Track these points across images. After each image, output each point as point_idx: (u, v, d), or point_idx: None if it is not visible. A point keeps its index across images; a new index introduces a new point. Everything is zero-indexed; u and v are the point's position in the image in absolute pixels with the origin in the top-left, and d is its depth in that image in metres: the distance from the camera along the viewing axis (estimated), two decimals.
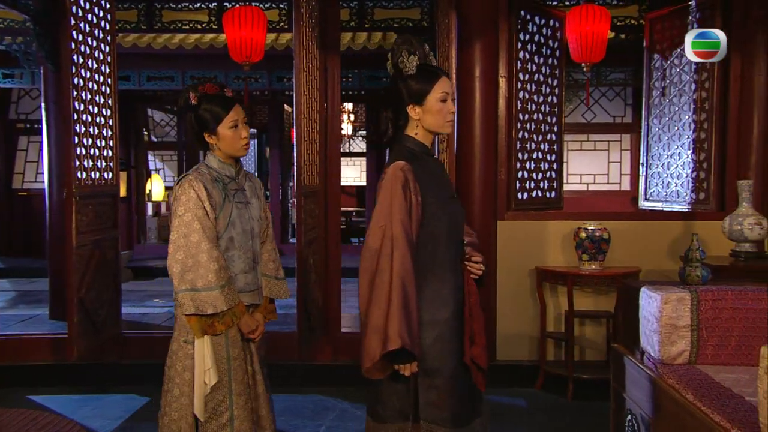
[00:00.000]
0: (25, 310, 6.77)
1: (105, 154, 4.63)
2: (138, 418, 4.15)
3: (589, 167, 10.45)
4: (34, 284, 8.30)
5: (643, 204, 5.41)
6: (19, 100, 10.56)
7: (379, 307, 2.07)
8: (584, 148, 10.47)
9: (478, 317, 2.30)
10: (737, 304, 2.89)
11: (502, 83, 4.77)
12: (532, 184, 5.00)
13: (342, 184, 5.27)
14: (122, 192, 8.89)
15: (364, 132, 12.68)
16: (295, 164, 4.49)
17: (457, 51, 4.61)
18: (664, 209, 5.14)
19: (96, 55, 4.51)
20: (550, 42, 5.09)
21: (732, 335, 2.89)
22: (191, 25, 7.19)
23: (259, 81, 8.56)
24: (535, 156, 5.01)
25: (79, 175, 4.28)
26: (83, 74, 4.34)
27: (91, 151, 4.46)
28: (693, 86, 4.95)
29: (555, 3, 6.31)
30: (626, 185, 10.34)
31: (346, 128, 12.41)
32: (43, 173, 7.23)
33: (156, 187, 11.70)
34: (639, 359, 3.11)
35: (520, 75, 4.85)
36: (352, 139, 14.32)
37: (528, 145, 4.94)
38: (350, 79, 8.70)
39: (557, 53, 5.14)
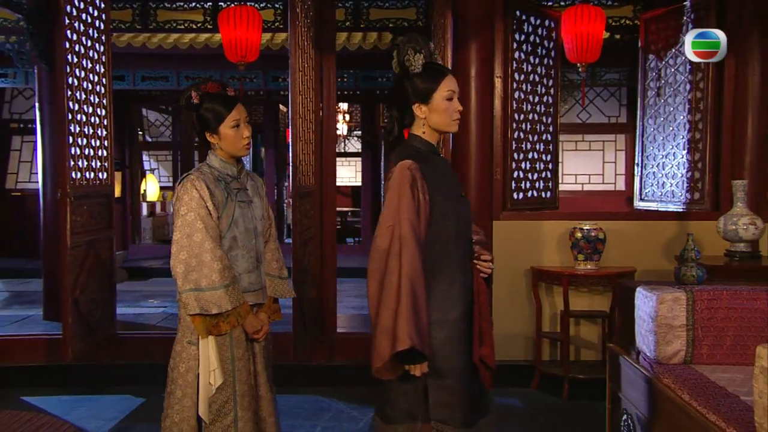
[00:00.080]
0: (19, 310, 6.73)
1: (100, 154, 4.62)
2: (133, 418, 4.13)
3: (584, 167, 10.47)
4: (27, 285, 8.26)
5: (639, 204, 5.42)
6: (12, 100, 10.51)
7: (388, 307, 2.05)
8: (579, 148, 10.49)
9: (487, 316, 2.28)
10: (732, 304, 2.90)
11: (498, 83, 4.77)
12: (528, 184, 5.01)
13: (337, 184, 5.26)
14: (117, 192, 8.85)
15: (360, 132, 12.67)
16: (290, 164, 4.48)
17: (452, 51, 4.61)
18: (659, 209, 5.15)
19: (90, 54, 4.50)
20: (546, 42, 5.09)
21: (727, 335, 2.90)
22: (186, 24, 7.18)
23: (254, 81, 8.55)
24: (530, 156, 5.02)
25: (73, 175, 4.27)
26: (78, 74, 4.33)
27: (86, 151, 4.45)
28: (688, 86, 4.96)
29: (550, 3, 6.32)
30: (621, 185, 10.36)
31: (341, 128, 12.41)
32: (36, 173, 7.20)
33: (151, 188, 11.67)
34: (635, 359, 3.11)
35: (516, 75, 4.86)
36: (348, 139, 14.31)
37: (524, 145, 4.95)
38: (345, 79, 8.69)
39: (552, 53, 5.15)
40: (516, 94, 4.85)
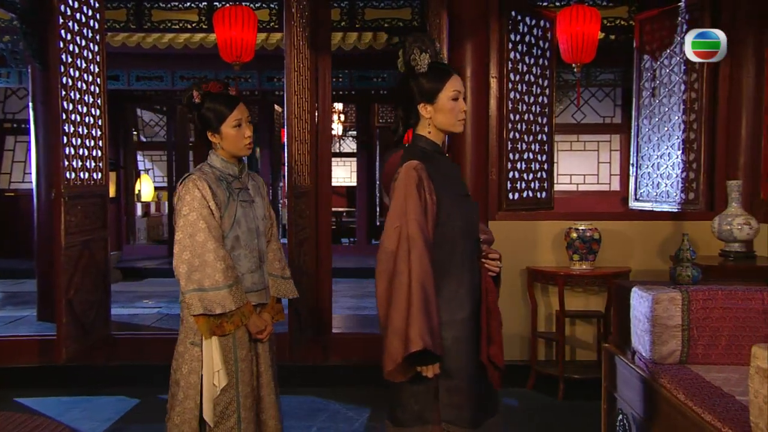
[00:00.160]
0: (13, 311, 6.70)
1: (94, 154, 4.60)
2: (128, 419, 4.12)
3: (579, 167, 10.49)
4: (21, 285, 8.23)
5: (633, 204, 5.43)
6: (5, 100, 10.48)
7: (399, 309, 2.03)
8: (574, 148, 10.52)
9: (496, 316, 2.27)
10: (727, 304, 2.91)
11: (493, 83, 4.78)
12: (523, 185, 5.01)
13: (332, 184, 5.26)
14: (111, 192, 8.82)
15: (355, 132, 12.66)
16: (285, 164, 4.47)
17: (448, 51, 4.61)
18: (654, 209, 5.16)
19: (85, 54, 4.48)
20: (541, 42, 5.10)
21: (722, 335, 2.91)
22: (181, 24, 7.16)
23: (249, 81, 8.54)
24: (526, 156, 5.02)
25: (67, 175, 4.25)
26: (72, 74, 4.31)
27: (80, 151, 4.43)
28: (683, 87, 4.98)
29: (546, 3, 6.33)
30: (616, 185, 10.39)
31: (336, 128, 12.40)
32: (30, 173, 7.16)
33: (145, 188, 11.64)
34: (630, 359, 3.12)
35: (511, 75, 4.86)
36: (343, 140, 14.30)
37: (519, 146, 4.95)
38: (340, 79, 8.69)
39: (548, 54, 5.15)
40: (511, 95, 4.85)
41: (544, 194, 5.20)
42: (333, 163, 5.45)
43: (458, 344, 2.18)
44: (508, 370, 4.69)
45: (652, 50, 5.25)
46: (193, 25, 7.17)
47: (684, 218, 4.81)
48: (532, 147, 5.07)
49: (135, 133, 11.84)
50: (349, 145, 14.31)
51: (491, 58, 4.74)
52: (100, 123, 4.66)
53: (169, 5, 7.09)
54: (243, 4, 5.48)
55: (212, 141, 2.57)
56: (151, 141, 12.70)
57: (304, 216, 4.70)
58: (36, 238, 6.13)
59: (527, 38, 4.98)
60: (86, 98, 4.49)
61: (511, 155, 4.88)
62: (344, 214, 12.53)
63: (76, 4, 4.37)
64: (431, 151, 2.25)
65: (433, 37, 2.30)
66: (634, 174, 5.44)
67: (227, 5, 5.31)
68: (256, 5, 6.94)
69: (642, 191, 5.36)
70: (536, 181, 5.13)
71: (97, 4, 4.61)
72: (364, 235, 10.99)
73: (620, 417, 3.17)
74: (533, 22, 5.03)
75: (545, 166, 5.20)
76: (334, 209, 8.26)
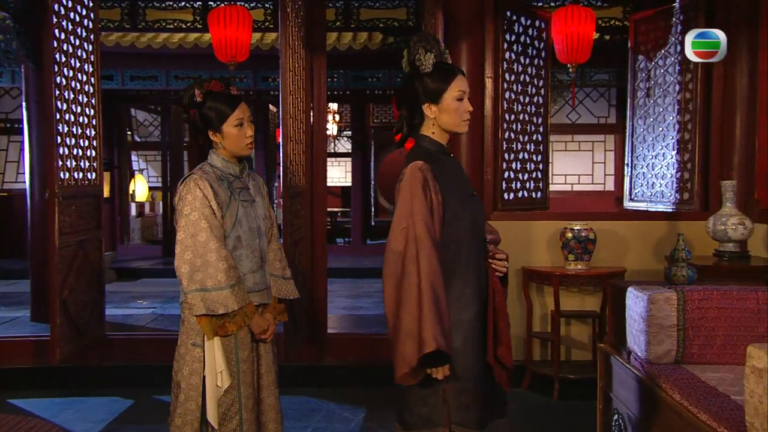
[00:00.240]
0: (6, 312, 6.67)
1: (88, 154, 4.59)
2: (122, 420, 4.10)
3: (574, 168, 10.52)
4: (14, 286, 8.19)
5: (628, 204, 5.45)
6: None
7: (410, 311, 2.01)
8: (569, 148, 10.54)
9: (503, 316, 2.26)
10: (722, 304, 2.91)
11: (489, 84, 4.78)
12: (518, 185, 5.02)
13: (327, 184, 5.25)
14: (105, 192, 8.80)
15: (350, 132, 12.66)
16: (281, 165, 4.47)
17: None
18: (649, 209, 5.18)
19: (79, 54, 4.46)
20: (536, 43, 5.10)
21: (717, 335, 2.91)
22: (176, 24, 7.15)
23: (244, 81, 8.52)
24: (521, 156, 5.02)
25: (62, 175, 4.23)
26: (66, 73, 4.29)
27: (74, 151, 4.41)
28: (677, 87, 4.99)
29: (541, 4, 6.34)
30: (610, 185, 10.42)
31: (331, 128, 12.38)
32: (24, 173, 7.13)
33: (140, 188, 11.61)
34: (626, 359, 3.12)
35: (507, 75, 4.86)
36: (337, 140, 14.29)
37: (514, 146, 4.96)
38: (335, 80, 8.69)
39: (543, 54, 5.16)
40: (506, 95, 4.86)
41: (539, 194, 5.20)
42: (328, 163, 5.45)
43: (465, 345, 2.16)
44: None
45: (646, 50, 5.26)
46: (188, 24, 7.16)
47: (679, 218, 4.82)
48: (528, 147, 5.08)
49: (129, 133, 11.81)
50: (344, 145, 14.30)
51: (486, 58, 4.74)
52: (94, 123, 4.64)
53: (163, 5, 7.08)
54: (238, 3, 5.47)
55: (213, 140, 2.55)
56: (146, 141, 12.67)
57: (300, 216, 4.69)
58: (29, 239, 6.11)
59: (522, 38, 4.99)
60: (80, 98, 4.47)
61: (506, 155, 4.88)
62: (339, 214, 12.52)
63: (70, 4, 4.35)
64: (436, 151, 2.23)
65: (437, 37, 2.28)
66: (629, 174, 5.45)
67: (222, 5, 5.30)
68: (251, 5, 6.94)
69: (637, 191, 5.37)
70: (531, 181, 5.13)
71: (91, 4, 4.59)
72: (359, 235, 10.98)
73: (616, 417, 3.17)
74: (528, 22, 5.03)
75: (540, 166, 5.20)
76: (329, 209, 8.25)
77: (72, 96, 4.37)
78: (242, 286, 2.48)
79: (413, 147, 2.27)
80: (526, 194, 5.09)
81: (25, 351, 4.79)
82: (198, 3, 7.07)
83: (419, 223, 2.07)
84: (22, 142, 6.32)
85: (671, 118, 5.04)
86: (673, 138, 5.03)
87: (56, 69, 4.16)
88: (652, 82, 5.22)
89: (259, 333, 2.56)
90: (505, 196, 4.90)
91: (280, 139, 4.45)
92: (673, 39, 5.02)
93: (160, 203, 11.48)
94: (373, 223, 12.41)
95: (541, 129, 5.19)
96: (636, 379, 2.96)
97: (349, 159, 12.51)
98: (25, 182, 6.23)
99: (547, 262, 4.76)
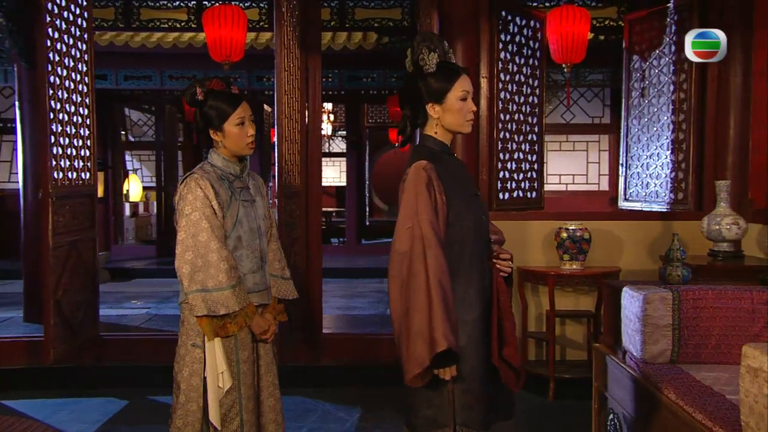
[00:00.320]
0: None
1: (82, 153, 4.57)
2: (116, 421, 4.08)
3: (568, 168, 10.53)
4: (7, 286, 8.15)
5: (623, 204, 5.46)
6: None
7: (419, 310, 2.00)
8: (563, 148, 10.55)
9: (509, 316, 2.25)
10: (717, 304, 2.92)
11: (484, 83, 4.78)
12: (513, 185, 5.02)
13: (322, 184, 5.24)
14: (99, 192, 8.75)
15: (344, 132, 12.65)
16: (276, 165, 4.46)
17: None
18: (644, 209, 5.19)
19: (72, 53, 4.44)
20: (531, 43, 5.11)
21: (712, 334, 2.92)
22: (170, 23, 7.12)
23: (238, 81, 8.49)
24: (516, 156, 5.03)
25: (55, 175, 4.21)
26: (59, 72, 4.27)
27: (68, 151, 4.39)
28: (671, 87, 5.00)
29: (536, 4, 6.35)
30: (604, 185, 10.43)
31: (326, 128, 12.37)
32: (17, 173, 7.10)
33: (133, 188, 11.56)
34: (621, 359, 3.13)
35: (502, 75, 4.86)
36: (332, 140, 14.28)
37: (509, 146, 4.96)
38: (330, 79, 8.68)
39: (538, 54, 5.16)
40: (502, 95, 4.86)
41: (534, 194, 5.21)
42: (323, 163, 5.44)
43: (470, 345, 2.15)
44: None
45: (641, 51, 5.27)
46: (182, 24, 7.13)
47: (673, 218, 4.84)
48: (523, 147, 5.08)
49: (123, 132, 11.77)
50: (339, 145, 14.28)
51: (481, 58, 4.74)
52: (88, 122, 4.63)
53: (157, 4, 7.05)
54: (232, 3, 5.46)
55: (214, 139, 2.54)
56: (140, 141, 12.63)
57: (295, 216, 4.69)
58: (23, 239, 6.08)
59: (517, 38, 4.99)
60: (74, 97, 4.45)
61: (501, 155, 4.89)
62: (334, 214, 12.51)
63: (64, 3, 4.33)
64: (439, 151, 2.22)
65: (440, 36, 2.27)
66: (624, 174, 5.47)
67: (216, 4, 5.30)
68: (246, 4, 6.91)
69: (631, 191, 5.39)
70: (526, 181, 5.14)
71: (84, 3, 4.57)
72: (353, 235, 10.98)
73: (611, 416, 3.18)
74: (523, 22, 5.03)
75: (535, 166, 5.21)
76: (323, 209, 8.24)
77: (66, 95, 4.35)
78: (243, 286, 2.47)
79: (417, 146, 2.26)
80: (521, 194, 5.09)
81: (18, 351, 4.77)
82: (192, 2, 7.04)
83: (425, 222, 2.06)
84: (15, 141, 6.29)
85: (666, 118, 5.06)
86: (667, 138, 5.05)
87: (50, 68, 4.15)
88: (647, 82, 5.24)
89: (260, 333, 2.55)
90: (501, 196, 4.90)
91: (275, 139, 4.44)
92: (668, 39, 5.03)
93: (154, 203, 11.44)
94: (367, 223, 12.41)
95: (536, 129, 5.19)
96: (631, 379, 2.96)
97: (344, 159, 12.50)
98: (18, 182, 6.20)
99: (542, 261, 4.77)
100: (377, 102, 11.06)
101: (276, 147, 4.42)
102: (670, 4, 5.01)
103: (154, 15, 7.11)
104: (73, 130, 4.45)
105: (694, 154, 4.87)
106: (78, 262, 4.46)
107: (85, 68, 4.58)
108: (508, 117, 4.93)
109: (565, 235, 4.48)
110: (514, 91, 4.98)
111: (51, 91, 4.16)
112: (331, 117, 12.84)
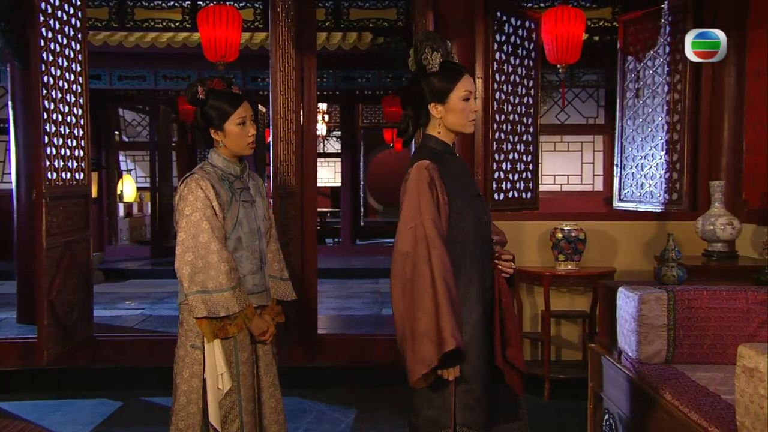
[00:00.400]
0: None
1: (76, 154, 4.54)
2: (110, 423, 4.06)
3: (563, 168, 10.55)
4: (0, 287, 8.11)
5: (618, 204, 5.47)
6: None
7: (425, 310, 1.98)
8: (558, 149, 10.57)
9: (512, 317, 2.24)
10: (712, 304, 2.93)
11: (479, 84, 4.78)
12: (509, 185, 5.02)
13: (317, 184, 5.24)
14: (93, 193, 8.72)
15: (339, 132, 12.65)
16: (271, 165, 4.45)
17: None
18: (638, 210, 5.20)
19: (66, 53, 4.42)
20: (526, 43, 5.11)
21: (707, 334, 2.93)
22: (164, 23, 7.10)
23: (233, 81, 8.45)
24: (511, 157, 5.03)
25: (49, 175, 4.19)
26: (53, 72, 4.25)
27: (62, 151, 4.37)
28: (666, 88, 5.02)
29: (531, 5, 6.35)
30: (599, 186, 10.46)
31: (321, 129, 12.37)
32: (10, 173, 7.06)
33: (127, 188, 11.54)
34: (617, 359, 3.13)
35: (497, 76, 4.87)
36: (327, 140, 14.27)
37: (504, 146, 4.96)
38: (325, 80, 8.67)
39: (533, 54, 5.17)
40: (497, 95, 4.87)
41: (529, 194, 5.21)
42: (317, 164, 5.43)
43: (471, 345, 2.13)
44: None
45: (635, 51, 5.29)
46: (177, 24, 7.11)
47: (668, 218, 4.85)
48: (518, 147, 5.09)
49: (117, 133, 11.73)
50: (333, 146, 14.28)
51: (477, 59, 4.75)
52: (82, 122, 4.60)
53: (152, 4, 7.03)
54: (227, 3, 5.45)
55: (215, 138, 2.53)
56: (134, 141, 12.59)
57: (290, 216, 4.67)
58: (16, 239, 6.05)
59: (512, 39, 5.00)
60: (68, 97, 4.43)
61: (496, 156, 4.89)
62: (328, 214, 12.50)
63: (58, 2, 4.31)
64: (441, 151, 2.22)
65: (442, 36, 2.26)
66: (618, 174, 5.48)
67: (211, 4, 5.28)
68: (241, 4, 6.90)
69: (626, 191, 5.40)
70: (521, 182, 5.14)
71: (78, 2, 4.55)
72: (348, 235, 10.97)
73: (606, 416, 3.18)
74: (518, 22, 5.04)
75: (530, 167, 5.22)
76: (318, 210, 8.24)
77: (59, 95, 4.32)
78: (243, 287, 2.46)
79: (419, 146, 2.26)
80: (516, 194, 5.09)
81: (11, 353, 4.74)
82: (187, 2, 7.02)
83: (428, 221, 2.05)
84: (8, 141, 6.25)
85: (660, 118, 5.07)
86: (662, 138, 5.06)
87: (43, 68, 4.12)
88: (641, 83, 5.25)
89: (259, 335, 2.54)
90: (496, 196, 4.90)
91: (270, 140, 4.43)
92: (662, 40, 5.04)
93: (149, 203, 11.41)
94: (362, 224, 12.40)
95: (531, 129, 5.20)
96: (627, 379, 2.97)
97: (339, 159, 12.49)
98: (11, 182, 6.17)
99: (538, 262, 4.77)
100: (372, 102, 11.06)
101: (271, 147, 4.41)
102: (665, 5, 5.02)
103: (149, 15, 7.09)
104: (67, 131, 4.43)
105: (688, 154, 4.89)
106: (72, 262, 4.44)
107: (79, 68, 4.56)
108: (503, 117, 4.93)
109: (560, 235, 4.48)
110: (510, 91, 4.98)
111: (45, 91, 4.14)
112: (326, 117, 12.83)
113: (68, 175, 4.44)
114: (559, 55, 4.89)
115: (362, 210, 12.62)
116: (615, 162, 5.55)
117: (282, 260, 2.79)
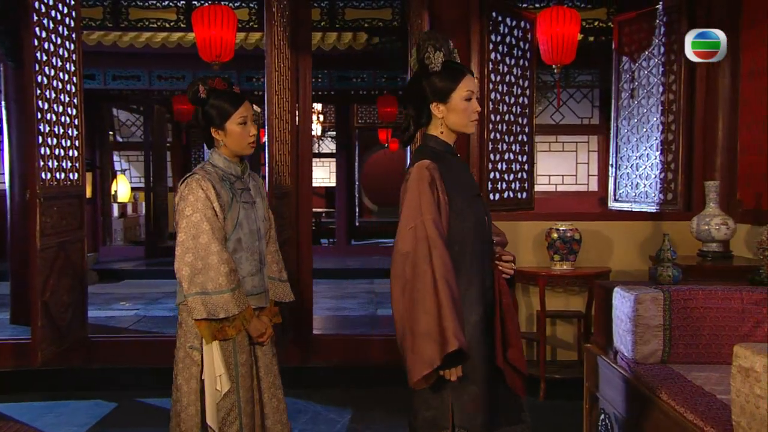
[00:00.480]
0: None
1: (70, 154, 4.52)
2: (105, 424, 4.05)
3: (558, 168, 10.56)
4: None
5: (613, 205, 5.48)
6: None
7: (427, 311, 1.97)
8: (553, 149, 10.59)
9: (512, 318, 2.23)
10: (708, 304, 2.93)
11: None
12: (504, 185, 5.02)
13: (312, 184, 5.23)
14: (87, 193, 8.69)
15: (334, 133, 12.63)
16: (266, 165, 4.43)
17: None
18: (633, 210, 5.21)
19: (60, 52, 4.40)
20: (521, 43, 5.11)
21: (702, 334, 2.93)
22: (159, 23, 7.08)
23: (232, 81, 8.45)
24: (506, 157, 5.03)
25: (43, 175, 4.17)
26: (47, 72, 4.23)
27: (56, 151, 4.35)
28: (661, 88, 5.02)
29: (526, 5, 6.36)
30: (594, 186, 10.47)
31: (316, 129, 12.35)
32: (3, 173, 7.03)
33: (122, 188, 11.49)
34: (612, 359, 3.13)
35: (492, 76, 4.86)
36: (322, 140, 14.25)
37: (500, 146, 4.96)
38: (320, 80, 8.66)
39: (528, 54, 5.17)
40: (492, 95, 4.86)
41: (524, 195, 5.21)
42: (312, 164, 5.42)
43: (470, 346, 2.11)
44: None
45: (630, 52, 5.29)
46: (171, 24, 7.09)
47: (663, 218, 4.86)
48: (513, 147, 5.09)
49: (111, 133, 11.69)
50: (328, 146, 14.26)
51: (472, 59, 4.74)
52: (76, 122, 4.58)
53: (146, 3, 7.01)
54: (222, 3, 5.43)
55: (215, 138, 2.52)
56: (128, 141, 12.55)
57: (285, 217, 4.67)
58: (9, 240, 6.02)
59: (508, 39, 4.99)
60: (62, 97, 4.41)
61: (491, 156, 4.89)
62: (323, 214, 12.49)
63: (51, 2, 4.29)
64: (442, 151, 2.21)
65: (445, 35, 2.25)
66: (614, 175, 5.49)
67: (206, 4, 5.26)
68: (236, 4, 6.89)
69: (621, 192, 5.41)
70: (517, 182, 5.14)
71: (72, 2, 4.53)
72: (343, 235, 10.96)
73: (602, 416, 3.19)
74: (514, 23, 5.04)
75: (525, 167, 5.21)
76: (313, 210, 8.23)
77: (53, 95, 4.30)
78: (242, 289, 2.45)
79: (420, 146, 2.25)
80: (511, 195, 5.09)
81: (5, 354, 4.72)
82: (182, 2, 7.00)
83: (429, 221, 2.05)
84: (2, 141, 6.22)
85: (655, 119, 5.08)
86: (656, 139, 5.07)
87: (37, 68, 4.10)
88: (636, 84, 5.26)
89: (257, 337, 2.53)
90: (491, 196, 4.90)
91: (266, 140, 4.42)
92: (657, 40, 5.05)
93: (143, 204, 11.38)
94: (357, 224, 12.39)
95: (526, 129, 5.20)
96: (623, 379, 2.97)
97: (334, 159, 12.48)
98: (5, 182, 6.14)
99: (533, 262, 4.77)
100: (367, 102, 11.05)
101: (266, 147, 4.40)
102: (659, 6, 5.03)
103: (143, 15, 7.07)
104: (61, 131, 4.41)
105: (683, 154, 4.90)
106: (66, 263, 4.42)
107: (73, 68, 4.54)
108: (498, 118, 4.93)
109: (555, 235, 4.49)
110: (505, 91, 4.98)
111: (38, 91, 4.12)
112: (321, 117, 12.82)
113: (62, 175, 4.42)
114: (554, 56, 4.89)
115: (357, 210, 12.62)
116: (610, 162, 5.56)
117: (281, 261, 2.78)
